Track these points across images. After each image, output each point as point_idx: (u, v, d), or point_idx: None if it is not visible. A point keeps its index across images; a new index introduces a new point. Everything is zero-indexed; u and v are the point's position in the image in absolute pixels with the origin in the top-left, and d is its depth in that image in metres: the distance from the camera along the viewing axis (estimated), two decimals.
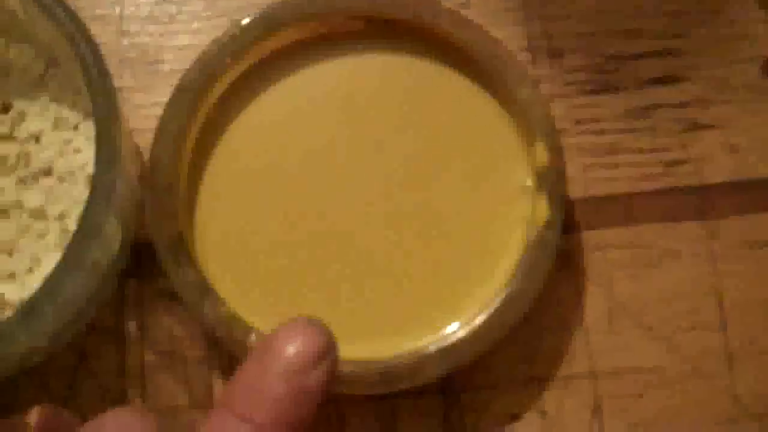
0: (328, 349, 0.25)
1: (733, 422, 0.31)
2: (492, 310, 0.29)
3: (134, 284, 0.32)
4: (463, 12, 0.33)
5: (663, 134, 0.34)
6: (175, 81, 0.31)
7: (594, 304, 0.32)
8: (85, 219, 0.25)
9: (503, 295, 0.30)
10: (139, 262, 0.32)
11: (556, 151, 0.30)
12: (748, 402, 0.31)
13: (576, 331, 0.32)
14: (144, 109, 0.34)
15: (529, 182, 0.31)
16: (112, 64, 0.33)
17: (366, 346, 0.30)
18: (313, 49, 0.32)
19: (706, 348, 0.32)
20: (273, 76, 0.32)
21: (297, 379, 0.24)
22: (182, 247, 0.30)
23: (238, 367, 0.25)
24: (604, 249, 0.33)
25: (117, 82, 0.32)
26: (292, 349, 0.24)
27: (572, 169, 0.33)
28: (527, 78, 0.31)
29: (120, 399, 0.31)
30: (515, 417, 0.31)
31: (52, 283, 0.25)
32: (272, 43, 0.32)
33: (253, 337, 0.29)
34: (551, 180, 0.30)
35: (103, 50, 0.32)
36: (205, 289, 0.30)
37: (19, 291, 0.28)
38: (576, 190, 0.33)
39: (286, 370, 0.24)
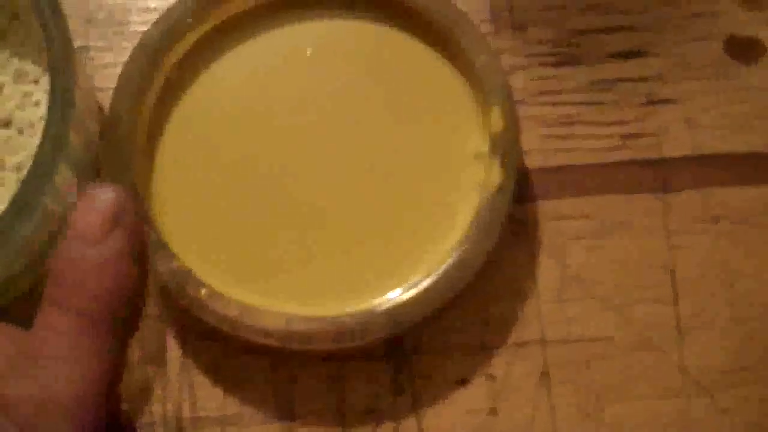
0: (118, 211, 0.24)
1: (681, 395, 0.33)
2: (440, 272, 0.31)
3: None
4: None
5: (623, 108, 0.35)
6: None
7: (547, 273, 0.34)
8: (35, 164, 0.26)
9: (452, 258, 0.31)
10: None
11: (511, 117, 0.32)
12: (697, 375, 0.33)
13: (528, 300, 0.33)
14: (110, 68, 0.35)
15: (484, 148, 0.32)
16: (78, 24, 0.35)
17: (316, 304, 0.31)
18: (274, 12, 0.34)
19: (657, 320, 0.33)
20: (235, 37, 0.34)
21: (94, 251, 0.24)
22: (137, 201, 0.31)
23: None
24: (559, 219, 0.34)
25: (83, 42, 0.35)
26: (80, 222, 0.24)
27: (531, 139, 0.34)
28: (485, 45, 0.32)
29: None
30: (464, 381, 0.33)
31: (0, 228, 0.26)
32: (235, 5, 0.33)
33: (204, 291, 0.31)
34: (505, 145, 0.32)
35: (70, 10, 0.34)
36: (159, 244, 0.31)
37: None
38: (534, 160, 0.35)
39: (81, 245, 0.24)
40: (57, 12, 0.28)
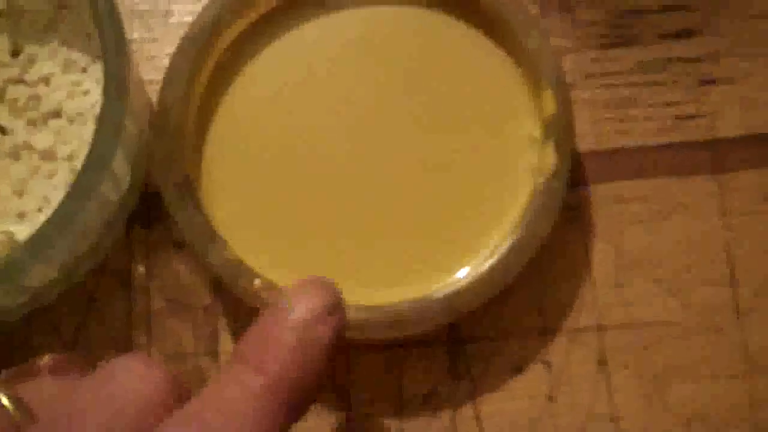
0: (336, 307, 0.27)
1: (742, 376, 0.32)
2: (497, 258, 0.31)
3: (143, 231, 0.34)
4: None
5: (676, 88, 0.35)
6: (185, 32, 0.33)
7: (603, 257, 0.33)
8: (92, 151, 0.26)
9: (509, 243, 0.31)
10: (148, 209, 0.33)
11: (564, 101, 0.32)
12: (758, 356, 0.33)
13: (584, 284, 0.33)
14: (155, 60, 0.35)
15: (537, 132, 0.32)
16: (123, 16, 0.35)
17: (373, 292, 0.31)
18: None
19: (716, 302, 0.33)
20: (284, 24, 0.34)
21: (307, 332, 0.26)
22: (188, 190, 0.31)
23: (252, 322, 0.27)
24: (614, 203, 0.34)
25: (127, 34, 0.34)
26: (303, 304, 0.26)
27: (582, 122, 0.34)
28: (536, 27, 0.32)
29: (126, 343, 0.33)
30: (520, 369, 0.33)
31: (59, 214, 0.26)
32: None
33: (257, 282, 0.31)
34: (558, 130, 0.32)
35: None
36: (211, 234, 0.31)
37: (29, 230, 0.30)
38: (586, 143, 0.34)
39: (297, 323, 0.26)
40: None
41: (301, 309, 0.26)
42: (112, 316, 0.33)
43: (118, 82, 0.27)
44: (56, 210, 0.26)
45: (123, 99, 0.27)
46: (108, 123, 0.27)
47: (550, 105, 0.32)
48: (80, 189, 0.26)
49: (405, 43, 0.34)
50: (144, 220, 0.34)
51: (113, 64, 0.27)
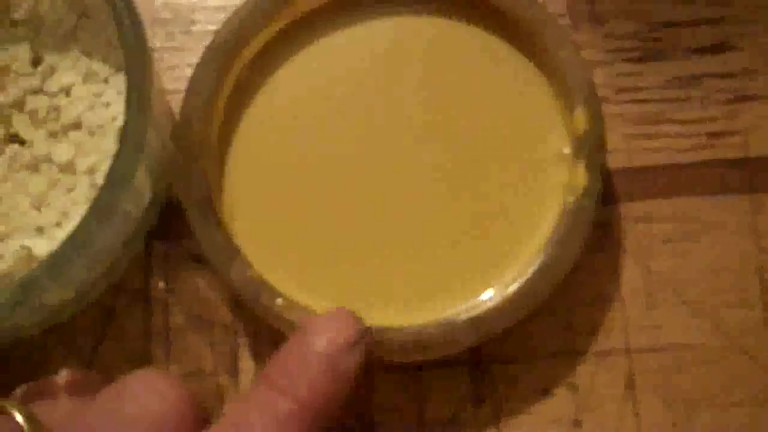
0: (362, 337, 0.27)
1: None
2: (525, 279, 0.30)
3: (163, 246, 0.33)
4: None
5: (709, 105, 0.34)
6: (208, 42, 0.32)
7: (632, 277, 0.33)
8: (114, 167, 0.26)
9: (537, 264, 0.30)
10: (168, 224, 0.33)
11: (596, 118, 0.31)
12: None
13: (613, 306, 0.33)
14: (177, 70, 0.35)
15: (568, 149, 0.32)
16: (144, 25, 0.34)
17: (398, 313, 0.31)
18: (348, 10, 0.33)
19: (748, 325, 0.32)
20: (307, 37, 0.33)
21: (334, 359, 0.26)
22: (211, 207, 0.31)
23: (276, 343, 0.27)
24: (644, 221, 0.33)
25: (149, 43, 0.34)
26: (332, 332, 0.27)
27: (614, 138, 0.34)
28: (567, 40, 0.32)
29: (145, 360, 0.32)
30: (546, 391, 0.32)
31: (80, 233, 0.26)
32: (306, 3, 0.33)
33: (279, 301, 0.30)
34: (590, 147, 0.31)
35: None
36: (232, 252, 0.31)
37: (47, 245, 0.29)
38: (617, 160, 0.34)
39: (325, 350, 0.26)
40: (132, 9, 0.28)
41: (331, 337, 0.27)
42: (131, 333, 0.32)
43: (140, 96, 0.26)
44: (76, 229, 0.26)
45: (146, 114, 0.26)
46: (130, 139, 0.26)
47: (581, 122, 0.31)
48: (101, 207, 0.26)
49: (433, 56, 0.33)
50: (164, 234, 0.33)
51: (136, 78, 0.27)
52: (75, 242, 0.26)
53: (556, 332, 0.32)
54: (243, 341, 0.33)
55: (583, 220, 0.31)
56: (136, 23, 0.27)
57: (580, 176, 0.31)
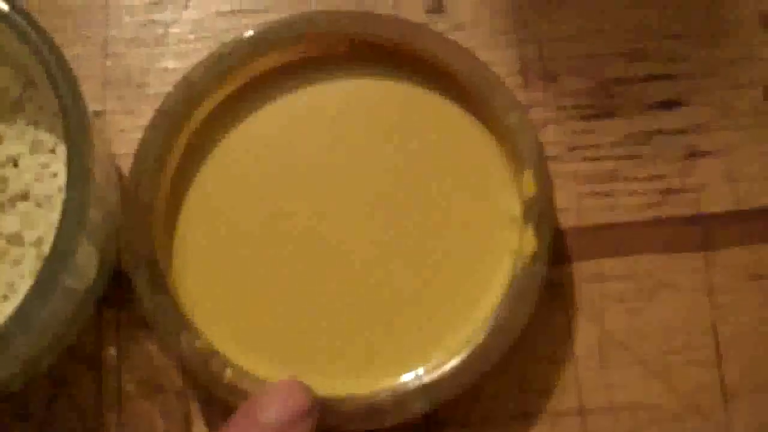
0: (311, 410, 0.28)
1: None
2: (476, 344, 0.31)
3: (114, 311, 0.33)
4: (456, 34, 0.34)
5: (662, 162, 0.35)
6: (159, 105, 0.33)
7: (586, 337, 0.33)
8: (55, 245, 0.26)
9: (487, 329, 0.31)
10: (119, 289, 0.33)
11: (544, 182, 0.32)
12: None
13: (566, 366, 0.33)
14: (128, 133, 0.35)
15: (517, 212, 0.32)
16: (95, 87, 0.35)
17: (350, 381, 0.31)
18: (298, 72, 0.34)
19: (702, 384, 0.33)
20: (257, 99, 0.34)
21: (295, 426, 0.28)
22: (157, 274, 0.31)
23: (226, 413, 0.27)
24: (597, 280, 0.34)
25: (100, 106, 0.34)
26: (281, 403, 0.28)
27: (566, 197, 0.34)
28: (516, 104, 0.32)
29: (97, 426, 0.32)
30: None
31: (23, 312, 0.26)
32: (256, 66, 0.33)
33: (228, 372, 0.30)
34: (538, 211, 0.31)
35: (87, 72, 0.34)
36: (180, 322, 0.31)
37: None
38: (569, 218, 0.34)
39: (273, 423, 0.27)
40: (71, 81, 0.28)
41: (280, 409, 0.28)
42: (82, 399, 0.33)
43: (81, 173, 0.27)
44: (18, 308, 0.26)
45: (87, 189, 0.27)
46: (71, 216, 0.26)
47: (530, 185, 0.32)
48: (44, 285, 0.26)
49: (382, 118, 0.33)
50: (115, 300, 0.33)
51: (77, 157, 0.27)
52: (18, 321, 0.26)
53: (510, 393, 0.33)
54: (195, 407, 0.33)
55: (532, 284, 0.31)
56: (75, 94, 0.27)
57: (530, 242, 0.31)
